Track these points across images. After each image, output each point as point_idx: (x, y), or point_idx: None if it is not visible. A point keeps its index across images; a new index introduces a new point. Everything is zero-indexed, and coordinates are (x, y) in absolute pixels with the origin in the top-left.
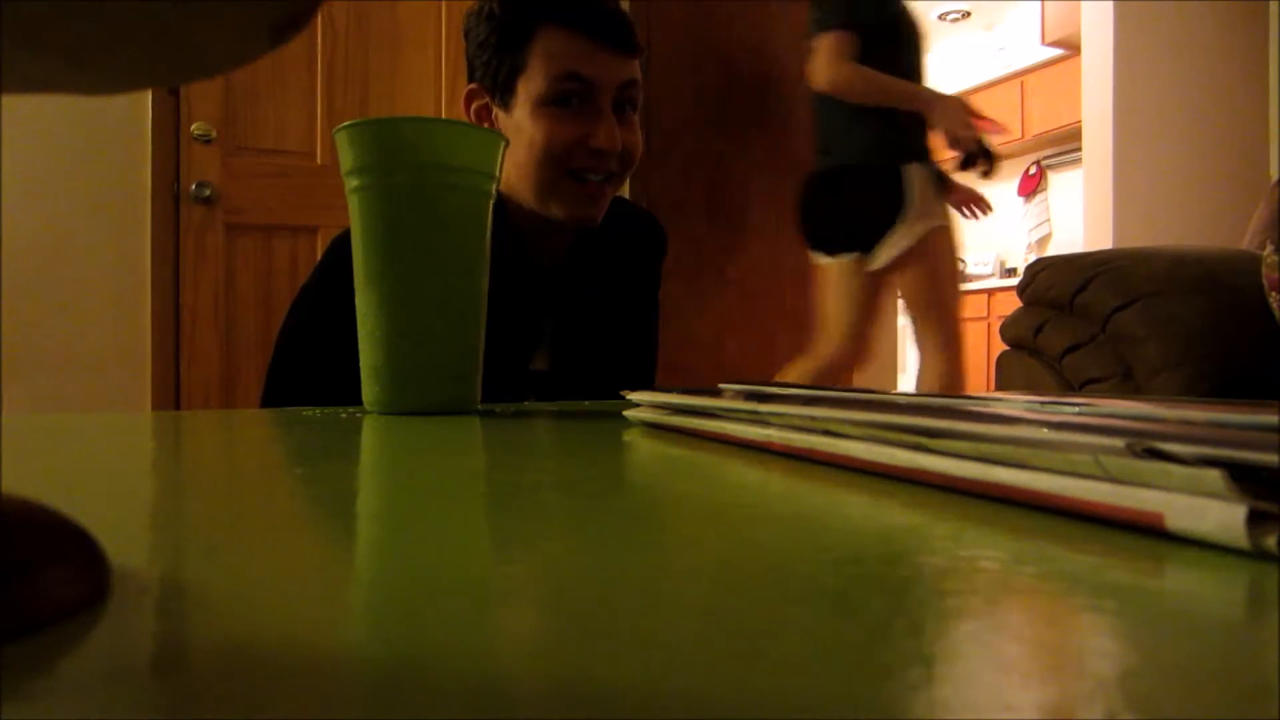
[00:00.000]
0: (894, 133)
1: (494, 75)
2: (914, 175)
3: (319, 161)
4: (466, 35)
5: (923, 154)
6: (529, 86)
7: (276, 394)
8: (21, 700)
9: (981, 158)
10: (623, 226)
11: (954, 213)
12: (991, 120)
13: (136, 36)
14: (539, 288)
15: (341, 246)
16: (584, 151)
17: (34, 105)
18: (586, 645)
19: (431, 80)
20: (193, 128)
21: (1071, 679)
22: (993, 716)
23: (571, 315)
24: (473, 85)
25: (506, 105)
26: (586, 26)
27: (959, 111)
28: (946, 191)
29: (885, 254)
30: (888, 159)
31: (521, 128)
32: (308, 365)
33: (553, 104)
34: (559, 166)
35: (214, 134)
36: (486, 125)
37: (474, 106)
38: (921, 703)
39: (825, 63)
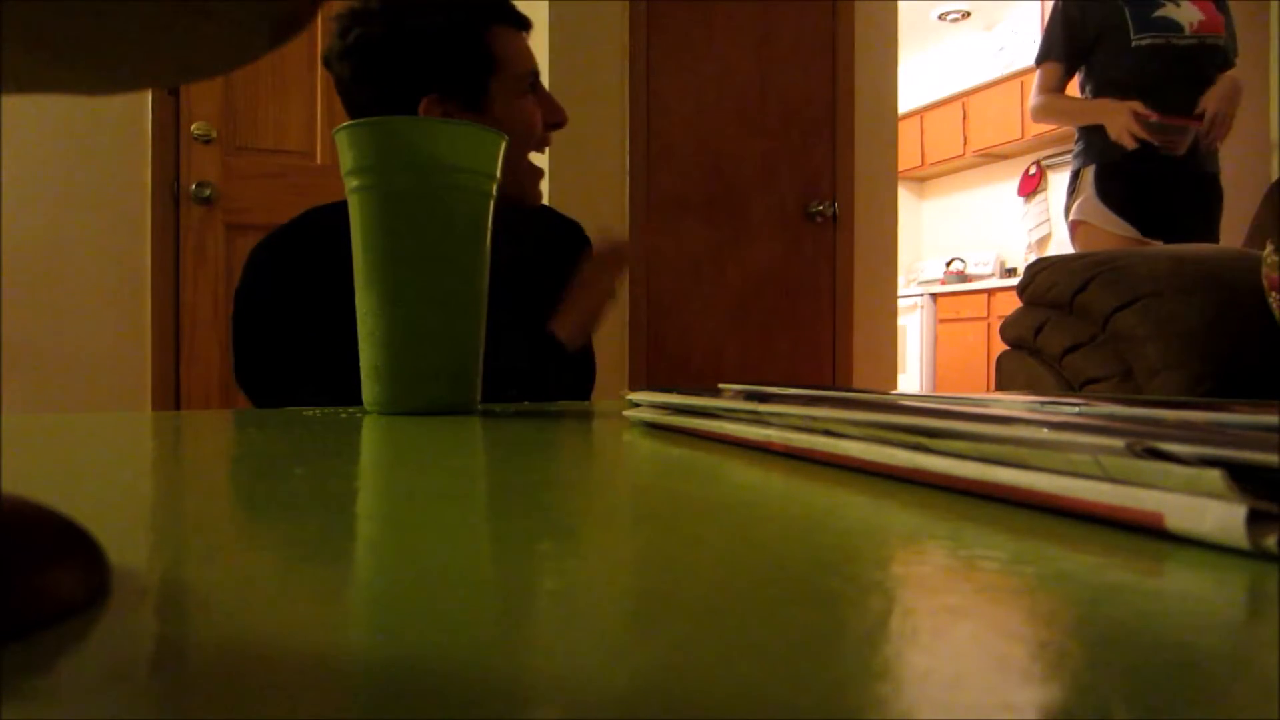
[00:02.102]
0: (1082, 143)
1: (457, 82)
2: (1086, 176)
3: (319, 161)
4: (370, 54)
5: (1100, 156)
6: (504, 84)
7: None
8: (21, 700)
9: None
10: (546, 230)
11: (1105, 209)
12: (1166, 134)
13: (136, 36)
14: None
15: (260, 255)
16: (545, 130)
17: (34, 105)
18: (585, 644)
19: None
20: (193, 128)
21: (1071, 679)
22: (991, 716)
23: (498, 314)
24: (431, 96)
25: (480, 107)
26: (522, 23)
27: (1126, 122)
28: (1124, 185)
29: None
30: (1077, 163)
31: (502, 122)
32: (269, 390)
33: (523, 95)
34: (534, 149)
35: (214, 134)
36: None
37: (436, 115)
38: (920, 703)
39: (1032, 95)
